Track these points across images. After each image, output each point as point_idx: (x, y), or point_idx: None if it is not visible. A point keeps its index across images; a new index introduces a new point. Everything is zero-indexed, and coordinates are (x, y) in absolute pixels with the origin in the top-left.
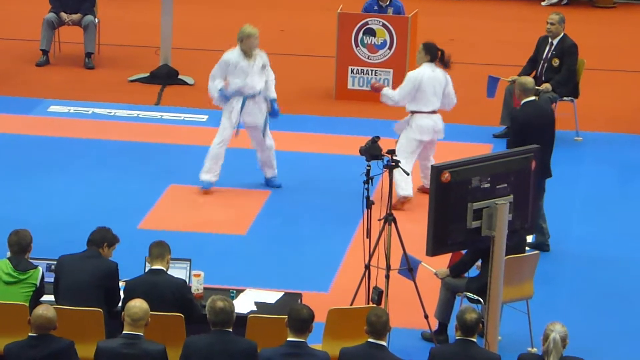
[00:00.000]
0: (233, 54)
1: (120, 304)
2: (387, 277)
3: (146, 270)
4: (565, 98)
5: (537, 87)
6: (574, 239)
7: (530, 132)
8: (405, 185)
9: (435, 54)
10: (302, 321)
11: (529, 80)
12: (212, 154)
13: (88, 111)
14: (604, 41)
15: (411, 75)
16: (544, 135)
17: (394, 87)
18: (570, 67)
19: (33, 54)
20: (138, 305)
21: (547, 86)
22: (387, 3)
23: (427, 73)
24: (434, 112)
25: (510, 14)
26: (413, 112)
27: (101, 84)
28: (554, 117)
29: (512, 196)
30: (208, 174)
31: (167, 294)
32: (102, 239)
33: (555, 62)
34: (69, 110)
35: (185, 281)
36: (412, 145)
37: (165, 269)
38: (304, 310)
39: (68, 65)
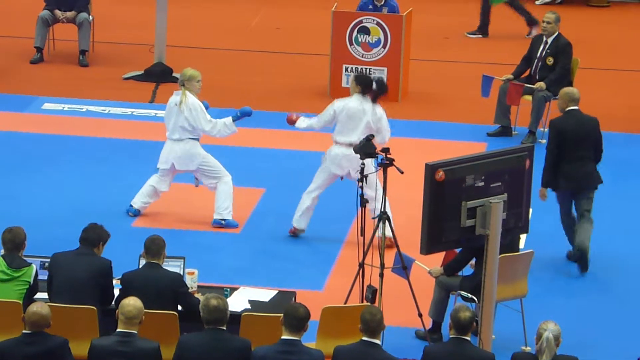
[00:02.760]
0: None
1: (114, 301)
2: (381, 275)
3: (142, 264)
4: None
5: (531, 86)
6: None
7: (565, 139)
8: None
9: (366, 86)
10: (298, 319)
11: (575, 90)
12: (230, 192)
13: (82, 109)
14: (598, 40)
15: (334, 102)
16: (582, 144)
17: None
18: (565, 66)
19: (27, 52)
20: (132, 303)
21: (541, 85)
22: (382, 3)
23: (351, 105)
24: (351, 145)
25: (504, 12)
26: (335, 142)
27: (95, 81)
28: (598, 127)
29: (506, 195)
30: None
31: (163, 287)
32: (99, 238)
33: (550, 60)
34: (63, 107)
35: (180, 275)
36: (321, 176)
37: (160, 264)
38: (301, 308)
39: (62, 62)
